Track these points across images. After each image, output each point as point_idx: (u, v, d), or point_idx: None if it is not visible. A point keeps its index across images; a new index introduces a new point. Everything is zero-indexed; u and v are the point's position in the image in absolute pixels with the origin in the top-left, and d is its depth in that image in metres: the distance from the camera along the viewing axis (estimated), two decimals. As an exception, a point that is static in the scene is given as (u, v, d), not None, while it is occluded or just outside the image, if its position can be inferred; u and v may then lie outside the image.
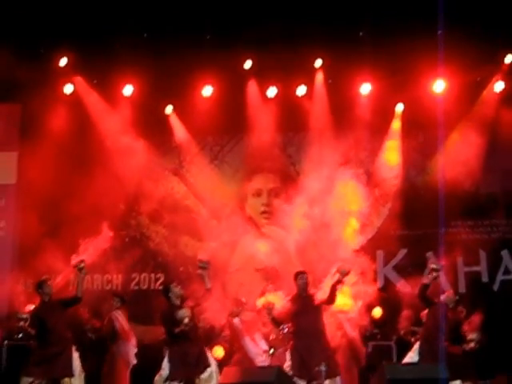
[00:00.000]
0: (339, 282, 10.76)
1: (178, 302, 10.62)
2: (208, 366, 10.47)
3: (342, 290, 11.04)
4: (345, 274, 10.75)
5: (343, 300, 11.26)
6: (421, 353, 10.78)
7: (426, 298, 10.99)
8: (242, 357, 11.72)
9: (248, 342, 11.73)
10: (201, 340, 10.83)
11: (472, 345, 10.80)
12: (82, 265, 10.83)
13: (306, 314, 10.81)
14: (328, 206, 11.79)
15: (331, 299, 10.85)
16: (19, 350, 11.80)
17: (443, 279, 12.57)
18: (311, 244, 12.43)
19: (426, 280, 10.89)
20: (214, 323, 11.94)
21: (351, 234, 11.56)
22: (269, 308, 10.92)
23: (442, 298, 11.09)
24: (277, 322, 11.04)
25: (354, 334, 11.73)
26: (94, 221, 11.90)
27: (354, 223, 11.56)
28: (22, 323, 10.61)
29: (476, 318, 11.12)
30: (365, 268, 11.32)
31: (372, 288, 11.62)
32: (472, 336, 10.86)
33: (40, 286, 10.79)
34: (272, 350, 11.20)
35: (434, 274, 10.89)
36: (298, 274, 11.03)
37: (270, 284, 11.79)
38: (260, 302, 11.30)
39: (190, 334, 10.48)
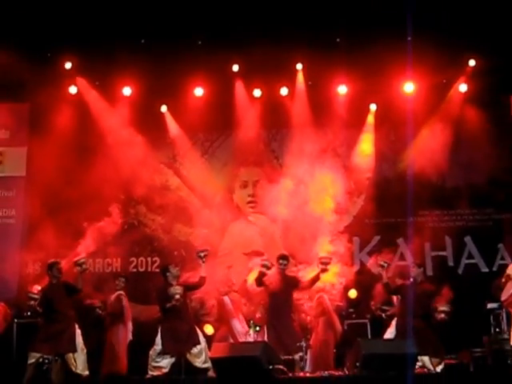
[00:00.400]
0: (323, 271, 11.50)
1: (174, 282, 11.13)
2: (198, 343, 11.00)
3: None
4: (327, 263, 11.51)
5: (327, 278, 11.83)
6: (397, 329, 11.38)
7: (391, 290, 11.76)
8: (227, 333, 12.26)
9: (235, 320, 12.27)
10: (191, 318, 11.40)
11: (443, 315, 11.20)
12: (82, 260, 11.39)
13: (282, 293, 11.46)
14: (308, 189, 12.37)
15: (310, 285, 11.64)
16: (28, 328, 12.05)
17: (409, 258, 13.40)
18: (293, 230, 13.07)
19: (384, 280, 11.62)
20: (205, 302, 12.73)
21: (328, 211, 12.12)
22: (266, 264, 11.51)
23: (412, 274, 11.60)
24: (260, 282, 11.54)
25: (333, 310, 12.16)
26: (96, 208, 12.60)
27: (330, 202, 12.15)
28: (32, 302, 11.25)
29: (446, 292, 11.44)
30: (343, 252, 12.02)
31: (349, 271, 12.35)
32: (442, 307, 11.22)
33: (50, 267, 11.35)
34: (258, 328, 11.49)
35: (382, 269, 11.61)
36: (279, 258, 11.75)
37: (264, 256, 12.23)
38: (251, 276, 11.90)
39: (181, 311, 11.03)
